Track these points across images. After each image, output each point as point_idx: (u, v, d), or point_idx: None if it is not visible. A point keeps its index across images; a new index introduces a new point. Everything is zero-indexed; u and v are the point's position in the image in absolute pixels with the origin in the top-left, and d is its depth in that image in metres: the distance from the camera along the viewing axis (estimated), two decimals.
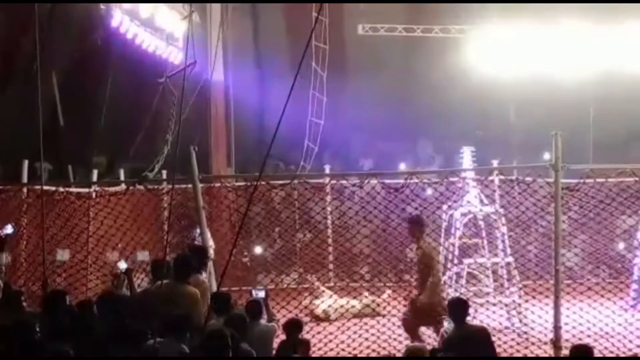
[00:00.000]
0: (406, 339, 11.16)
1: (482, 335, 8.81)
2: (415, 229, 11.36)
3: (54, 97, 16.66)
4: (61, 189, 12.72)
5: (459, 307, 8.94)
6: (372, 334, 11.64)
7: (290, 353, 8.99)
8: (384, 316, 12.82)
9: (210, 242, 12.97)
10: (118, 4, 15.38)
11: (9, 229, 10.35)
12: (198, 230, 12.18)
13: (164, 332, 7.73)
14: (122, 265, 10.14)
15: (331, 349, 11.19)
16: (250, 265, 16.80)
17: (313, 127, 16.17)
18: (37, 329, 7.54)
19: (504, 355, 10.52)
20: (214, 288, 9.83)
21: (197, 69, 9.60)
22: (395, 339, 11.36)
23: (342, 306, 13.83)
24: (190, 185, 11.13)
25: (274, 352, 9.13)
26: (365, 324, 12.09)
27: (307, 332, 10.27)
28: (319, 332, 11.68)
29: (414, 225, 11.42)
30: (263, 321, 9.32)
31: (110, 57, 16.70)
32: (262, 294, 9.76)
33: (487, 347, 8.74)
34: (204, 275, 9.68)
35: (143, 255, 11.94)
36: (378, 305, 13.62)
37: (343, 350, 11.33)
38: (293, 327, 9.39)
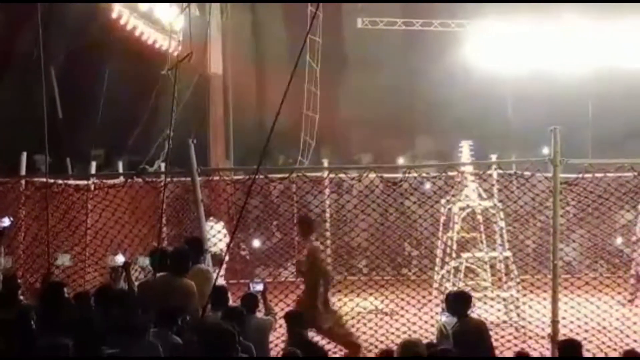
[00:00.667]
0: (404, 333, 11.13)
1: (482, 329, 8.82)
2: (303, 229, 11.13)
3: (52, 91, 16.65)
4: (59, 182, 12.69)
5: (461, 301, 8.88)
6: (370, 328, 11.62)
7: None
8: (386, 314, 12.79)
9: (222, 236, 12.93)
10: None
11: (5, 222, 10.32)
12: (210, 224, 12.18)
13: (157, 323, 7.73)
14: (120, 258, 10.11)
15: (328, 342, 11.16)
16: (249, 258, 16.80)
17: (309, 121, 16.15)
18: (33, 322, 7.51)
19: (501, 349, 10.52)
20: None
21: (196, 62, 9.57)
22: (392, 333, 11.34)
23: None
24: (188, 178, 11.11)
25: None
26: (363, 317, 12.07)
27: None
28: None
29: (302, 225, 11.21)
30: (259, 314, 9.29)
31: (108, 51, 16.70)
32: (259, 287, 9.70)
33: (486, 341, 8.74)
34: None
35: (144, 262, 11.88)
36: (376, 299, 13.59)
37: None
38: (294, 319, 9.26)
